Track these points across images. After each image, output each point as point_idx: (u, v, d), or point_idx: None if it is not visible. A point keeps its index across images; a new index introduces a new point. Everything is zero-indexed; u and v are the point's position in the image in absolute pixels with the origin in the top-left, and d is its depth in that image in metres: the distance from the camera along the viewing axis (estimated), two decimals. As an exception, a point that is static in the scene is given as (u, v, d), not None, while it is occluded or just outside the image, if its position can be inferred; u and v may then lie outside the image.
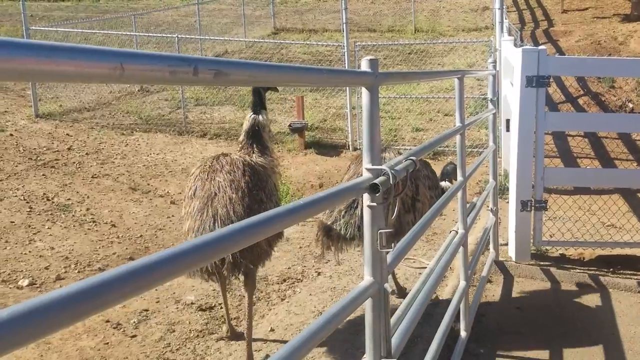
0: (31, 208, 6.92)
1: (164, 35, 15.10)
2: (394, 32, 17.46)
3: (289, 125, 10.26)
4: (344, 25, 10.68)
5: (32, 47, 0.84)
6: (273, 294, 4.56)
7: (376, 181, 1.82)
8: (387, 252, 1.97)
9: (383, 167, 1.90)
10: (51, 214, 6.86)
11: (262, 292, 4.57)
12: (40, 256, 5.78)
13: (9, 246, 5.92)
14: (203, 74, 1.15)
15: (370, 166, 1.91)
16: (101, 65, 0.94)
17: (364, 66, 1.93)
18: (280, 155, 9.91)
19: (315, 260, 5.16)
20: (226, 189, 3.39)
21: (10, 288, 5.09)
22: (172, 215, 7.39)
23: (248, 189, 3.44)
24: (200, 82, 1.19)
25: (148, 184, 8.40)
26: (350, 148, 10.27)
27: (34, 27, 13.41)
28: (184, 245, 1.05)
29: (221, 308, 4.30)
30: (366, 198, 1.87)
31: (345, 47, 10.42)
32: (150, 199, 7.88)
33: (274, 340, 3.77)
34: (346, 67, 10.29)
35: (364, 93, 1.93)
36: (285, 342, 3.51)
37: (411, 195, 4.01)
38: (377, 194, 1.82)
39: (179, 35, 12.30)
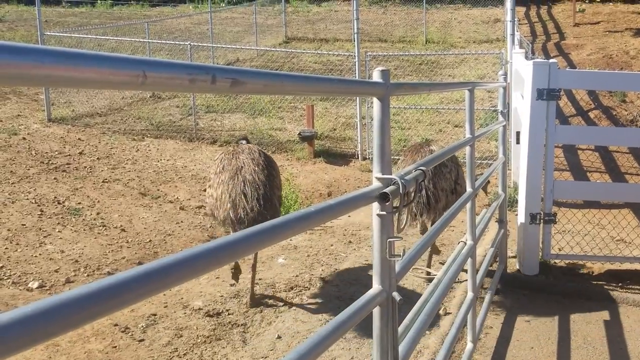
0: (42, 211, 6.99)
1: (176, 42, 15.24)
2: (405, 42, 17.52)
3: (299, 134, 10.31)
4: (355, 35, 10.74)
5: (57, 55, 0.87)
6: (280, 301, 4.58)
7: (386, 190, 1.84)
8: (396, 261, 1.99)
9: (393, 176, 1.92)
10: (62, 218, 6.93)
11: (269, 300, 4.59)
12: (51, 259, 5.83)
13: (20, 248, 5.98)
14: (220, 82, 1.18)
15: (380, 175, 1.93)
16: (124, 73, 0.97)
17: (376, 77, 1.96)
18: (290, 163, 9.95)
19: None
20: (250, 164, 4.44)
21: (20, 290, 5.14)
22: (181, 221, 7.44)
23: (264, 165, 4.50)
24: (217, 90, 1.22)
25: (158, 190, 8.46)
26: (360, 157, 10.30)
27: (48, 33, 13.57)
28: (200, 248, 1.07)
29: (228, 314, 4.32)
30: (375, 207, 1.89)
31: (356, 57, 10.48)
32: (160, 205, 7.93)
33: (281, 334, 3.78)
34: (357, 77, 10.34)
35: (375, 103, 1.95)
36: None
37: (454, 180, 4.78)
38: (387, 203, 1.84)
39: (192, 43, 12.41)
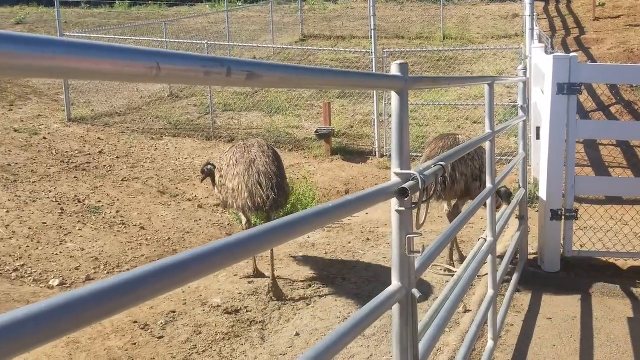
0: (63, 210, 7.06)
1: (193, 41, 15.32)
2: (422, 39, 17.40)
3: (316, 132, 10.29)
4: (372, 32, 10.69)
5: (72, 46, 0.85)
6: (298, 298, 4.57)
7: (405, 185, 1.81)
8: (415, 258, 1.96)
9: (412, 171, 1.89)
10: (82, 216, 6.99)
11: (287, 297, 4.58)
12: (71, 257, 5.89)
13: (41, 246, 6.05)
14: (236, 74, 1.16)
15: (399, 170, 1.90)
16: (138, 65, 0.95)
17: (394, 70, 1.93)
18: (307, 161, 9.94)
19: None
20: (261, 157, 4.86)
21: (41, 287, 5.20)
22: (200, 219, 7.47)
23: (274, 157, 4.95)
24: (233, 83, 1.20)
25: (176, 188, 8.51)
26: (377, 155, 10.25)
27: (68, 34, 13.72)
28: (217, 243, 1.06)
29: (247, 312, 4.33)
30: (394, 203, 1.86)
31: (373, 54, 10.42)
32: (179, 203, 7.98)
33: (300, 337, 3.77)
34: (374, 74, 10.29)
35: (394, 97, 1.92)
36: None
37: (478, 167, 4.94)
38: (406, 199, 1.81)
39: (209, 42, 12.45)
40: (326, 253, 5.63)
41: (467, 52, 14.72)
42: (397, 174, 1.89)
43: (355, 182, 9.01)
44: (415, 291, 1.91)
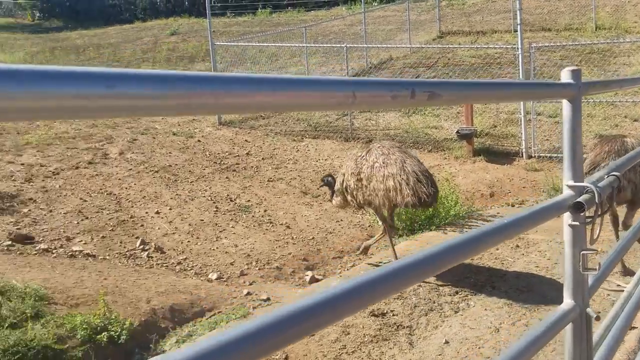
0: (217, 208, 7.60)
1: (333, 45, 15.67)
2: (571, 30, 16.26)
3: (457, 132, 10.05)
4: (519, 25, 10.21)
5: (283, 82, 0.93)
6: (445, 305, 4.50)
7: (580, 199, 1.73)
8: (589, 275, 1.87)
9: (587, 184, 1.80)
10: (234, 214, 7.48)
11: (434, 303, 4.54)
12: (226, 252, 6.33)
13: (200, 242, 6.57)
14: (419, 96, 1.18)
15: (572, 182, 1.82)
16: (339, 95, 1.01)
17: (565, 77, 1.86)
18: (447, 162, 9.76)
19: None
20: (408, 157, 5.21)
21: (201, 280, 5.65)
22: (341, 220, 7.64)
23: (416, 158, 5.34)
24: (416, 104, 1.23)
25: (318, 189, 8.77)
26: (524, 155, 9.77)
27: (217, 43, 14.69)
28: (405, 261, 1.09)
29: (393, 315, 4.36)
30: (567, 217, 1.79)
31: (520, 49, 9.95)
32: (320, 203, 8.22)
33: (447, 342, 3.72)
34: (520, 71, 9.84)
35: (565, 105, 1.85)
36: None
37: None
38: (582, 213, 1.73)
39: (347, 45, 12.67)
40: (472, 259, 5.48)
41: (623, 44, 13.51)
42: (570, 187, 1.82)
43: (501, 184, 8.67)
44: (590, 310, 1.82)
